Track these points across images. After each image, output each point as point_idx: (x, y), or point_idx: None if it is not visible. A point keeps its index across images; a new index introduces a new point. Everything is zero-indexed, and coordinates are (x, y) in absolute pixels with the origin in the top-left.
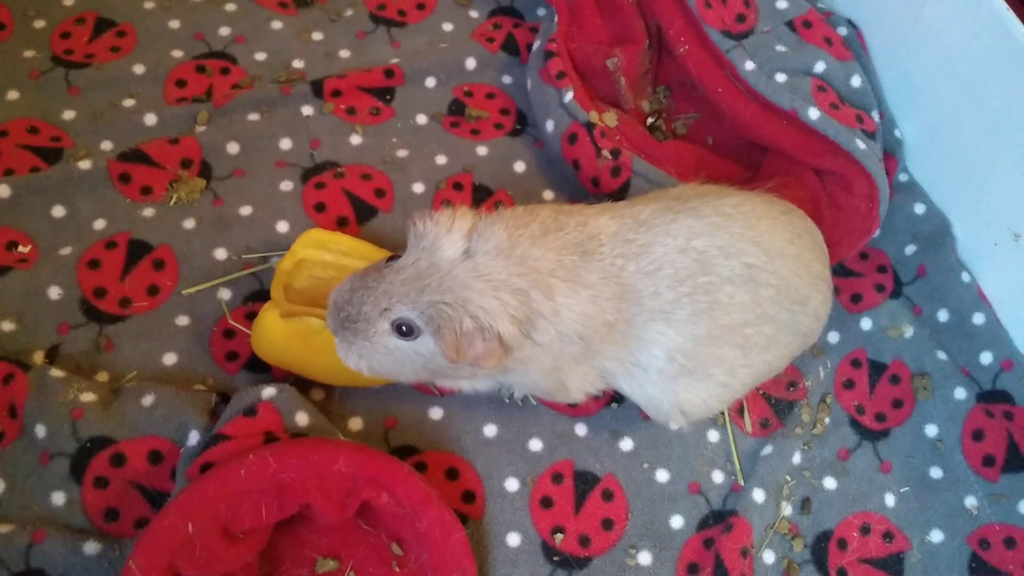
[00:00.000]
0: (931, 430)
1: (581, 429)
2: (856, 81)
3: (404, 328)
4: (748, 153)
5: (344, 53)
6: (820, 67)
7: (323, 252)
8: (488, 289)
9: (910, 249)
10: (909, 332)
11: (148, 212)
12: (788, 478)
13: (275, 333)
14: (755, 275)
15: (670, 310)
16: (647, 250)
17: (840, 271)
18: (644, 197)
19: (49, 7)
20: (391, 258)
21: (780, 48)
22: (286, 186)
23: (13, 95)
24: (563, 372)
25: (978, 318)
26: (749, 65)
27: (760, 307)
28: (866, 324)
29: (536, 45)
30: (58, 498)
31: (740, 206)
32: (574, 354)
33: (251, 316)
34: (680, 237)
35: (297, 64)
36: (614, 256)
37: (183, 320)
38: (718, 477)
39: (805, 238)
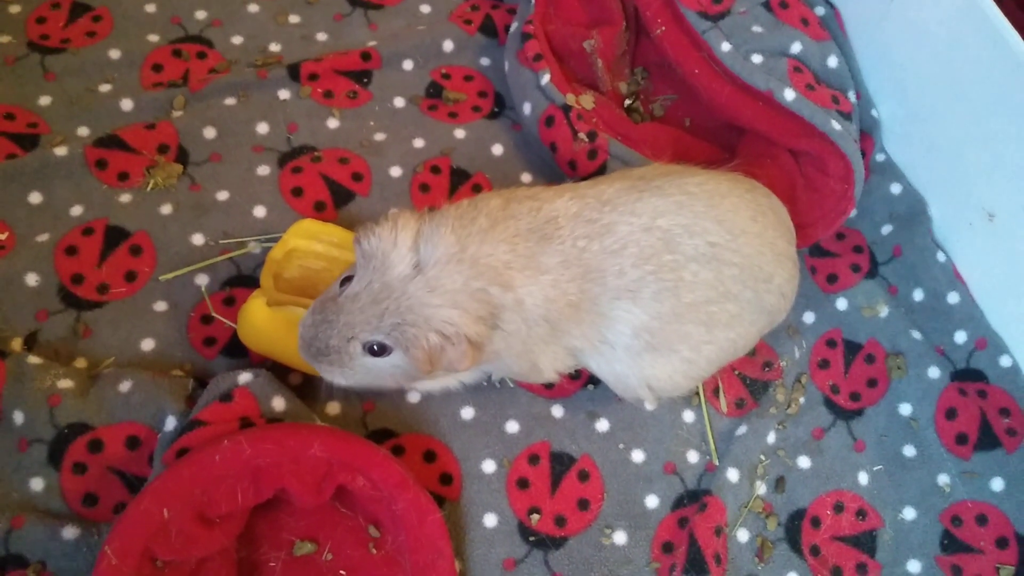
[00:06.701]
0: (905, 409)
1: (558, 411)
2: (833, 61)
3: (376, 347)
4: (725, 134)
5: (321, 36)
6: (796, 48)
7: (314, 243)
8: (446, 301)
9: (886, 229)
10: (884, 312)
11: (125, 198)
12: (762, 457)
13: (261, 321)
14: (719, 253)
15: (635, 288)
16: (611, 229)
17: (816, 251)
18: (608, 177)
19: None
20: (344, 280)
21: (756, 29)
22: (263, 171)
23: None
24: (533, 354)
25: (953, 297)
26: (725, 46)
27: (723, 285)
28: (841, 304)
29: (513, 27)
30: (37, 484)
31: (704, 184)
32: (542, 335)
33: (228, 301)
34: (645, 216)
35: (274, 47)
36: (575, 238)
37: (161, 306)
38: (693, 457)
39: (769, 216)
